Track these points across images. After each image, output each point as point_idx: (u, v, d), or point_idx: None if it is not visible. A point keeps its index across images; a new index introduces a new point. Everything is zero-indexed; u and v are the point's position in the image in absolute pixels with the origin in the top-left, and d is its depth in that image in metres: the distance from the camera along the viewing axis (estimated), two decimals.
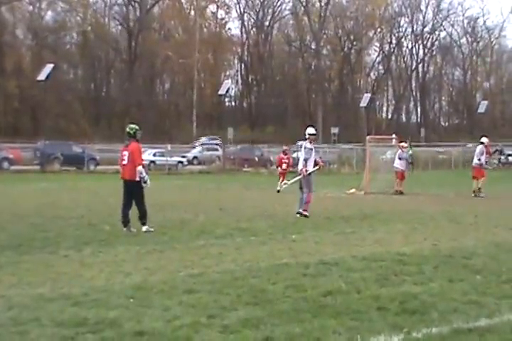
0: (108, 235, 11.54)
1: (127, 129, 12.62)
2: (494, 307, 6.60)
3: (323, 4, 79.82)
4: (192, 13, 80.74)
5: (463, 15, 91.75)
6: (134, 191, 12.36)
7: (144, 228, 12.18)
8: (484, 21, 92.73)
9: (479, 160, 22.41)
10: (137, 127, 12.68)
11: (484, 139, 22.95)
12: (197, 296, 6.94)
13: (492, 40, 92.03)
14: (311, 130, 15.67)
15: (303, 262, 8.88)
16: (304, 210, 14.91)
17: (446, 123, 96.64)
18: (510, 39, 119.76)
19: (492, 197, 21.31)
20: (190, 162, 47.10)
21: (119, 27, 78.32)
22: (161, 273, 8.23)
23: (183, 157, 46.47)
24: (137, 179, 12.21)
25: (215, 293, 7.06)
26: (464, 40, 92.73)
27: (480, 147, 22.79)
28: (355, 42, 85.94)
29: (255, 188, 25.80)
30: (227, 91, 52.29)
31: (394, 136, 25.13)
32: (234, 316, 6.18)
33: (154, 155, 43.47)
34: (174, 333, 5.65)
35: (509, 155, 51.11)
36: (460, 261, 9.12)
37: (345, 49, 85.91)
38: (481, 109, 56.53)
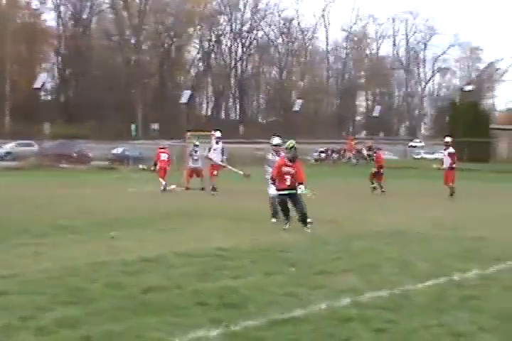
0: None
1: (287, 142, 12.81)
2: (308, 297, 6.89)
3: None
4: (4, 1, 76.96)
5: (279, 15, 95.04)
6: None
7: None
8: (299, 23, 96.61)
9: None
10: (295, 145, 12.65)
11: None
12: (9, 298, 6.63)
13: (306, 41, 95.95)
14: (274, 140, 13.86)
15: (122, 259, 8.77)
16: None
17: (264, 121, 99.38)
18: (322, 41, 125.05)
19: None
20: (2, 158, 44.94)
21: None
22: None
23: None
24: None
25: (29, 294, 6.79)
26: (280, 40, 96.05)
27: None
28: (175, 39, 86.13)
29: (73, 185, 25.05)
30: (42, 85, 50.26)
31: (213, 132, 25.29)
32: (50, 316, 5.99)
33: None
34: None
35: (321, 152, 52.95)
36: (277, 254, 9.43)
37: (166, 45, 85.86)
38: (296, 108, 58.63)
